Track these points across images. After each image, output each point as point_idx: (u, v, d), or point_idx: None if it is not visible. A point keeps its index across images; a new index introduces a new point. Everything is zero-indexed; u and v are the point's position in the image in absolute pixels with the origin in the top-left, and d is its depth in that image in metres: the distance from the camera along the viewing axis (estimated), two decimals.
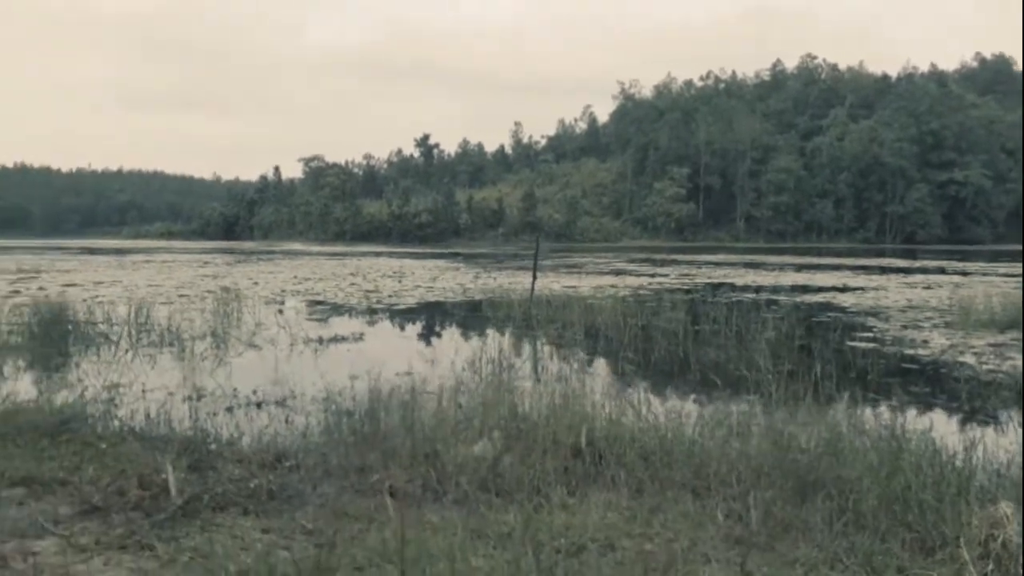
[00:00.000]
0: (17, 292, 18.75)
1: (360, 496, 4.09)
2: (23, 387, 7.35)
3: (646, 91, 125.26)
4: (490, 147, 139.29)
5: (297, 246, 78.79)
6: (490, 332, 12.51)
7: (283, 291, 20.80)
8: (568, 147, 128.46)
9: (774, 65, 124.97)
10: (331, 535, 3.13)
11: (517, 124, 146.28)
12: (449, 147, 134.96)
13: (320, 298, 18.95)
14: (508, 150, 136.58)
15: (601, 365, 9.88)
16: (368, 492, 4.19)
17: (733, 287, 22.87)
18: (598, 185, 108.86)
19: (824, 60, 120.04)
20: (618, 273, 29.30)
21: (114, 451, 4.28)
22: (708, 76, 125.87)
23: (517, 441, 5.07)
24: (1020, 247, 63.61)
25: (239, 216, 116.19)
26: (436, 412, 5.88)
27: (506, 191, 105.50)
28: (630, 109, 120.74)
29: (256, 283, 23.61)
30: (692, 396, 7.68)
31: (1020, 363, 8.90)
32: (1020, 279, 22.11)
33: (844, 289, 22.14)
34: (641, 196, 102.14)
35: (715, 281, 25.61)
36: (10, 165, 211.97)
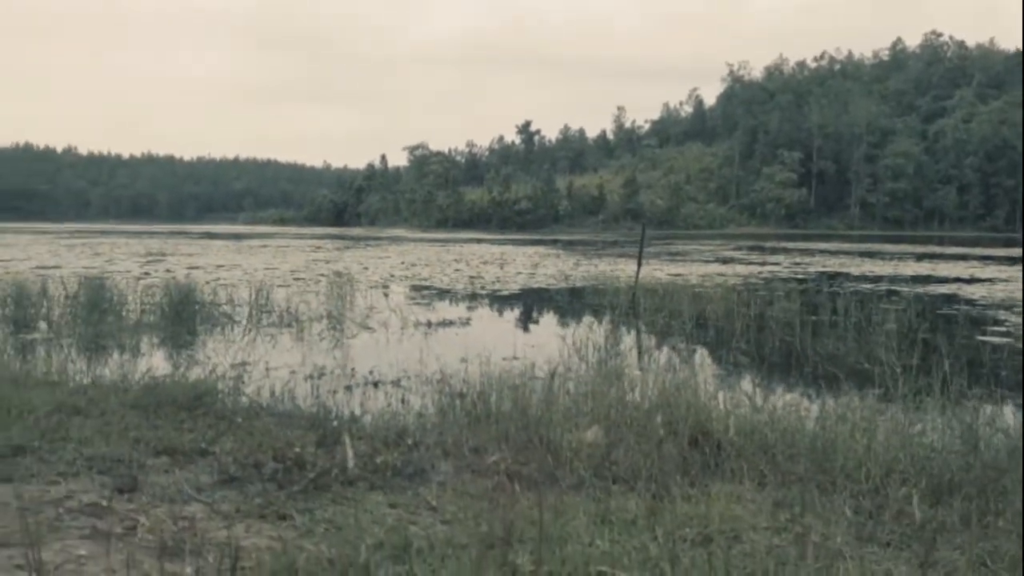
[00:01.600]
0: (147, 274, 20.03)
1: (478, 476, 4.16)
2: (159, 363, 7.87)
3: (756, 73, 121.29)
4: (591, 133, 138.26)
5: (401, 232, 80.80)
6: (594, 319, 12.46)
7: (391, 276, 21.37)
8: (672, 131, 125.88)
9: (894, 44, 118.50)
10: (455, 512, 3.20)
11: (620, 109, 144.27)
12: (550, 133, 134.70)
13: (427, 283, 19.37)
14: (610, 135, 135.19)
15: (712, 355, 9.67)
16: (485, 472, 4.26)
17: (849, 277, 21.90)
18: (703, 170, 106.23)
19: (950, 37, 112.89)
20: (725, 261, 28.57)
21: (248, 425, 4.51)
22: (823, 57, 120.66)
23: (630, 429, 5.04)
24: None
25: (347, 203, 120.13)
26: (546, 397, 5.92)
27: (607, 177, 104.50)
28: (738, 92, 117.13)
29: (366, 268, 24.35)
30: (810, 389, 7.41)
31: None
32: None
33: (971, 280, 20.82)
34: (749, 181, 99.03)
35: (829, 270, 24.60)
36: (138, 155, 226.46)
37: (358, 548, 2.36)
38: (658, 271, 21.34)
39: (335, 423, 5.13)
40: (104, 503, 3.19)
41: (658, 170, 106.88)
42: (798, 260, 30.16)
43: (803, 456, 4.42)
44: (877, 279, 21.09)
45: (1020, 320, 12.39)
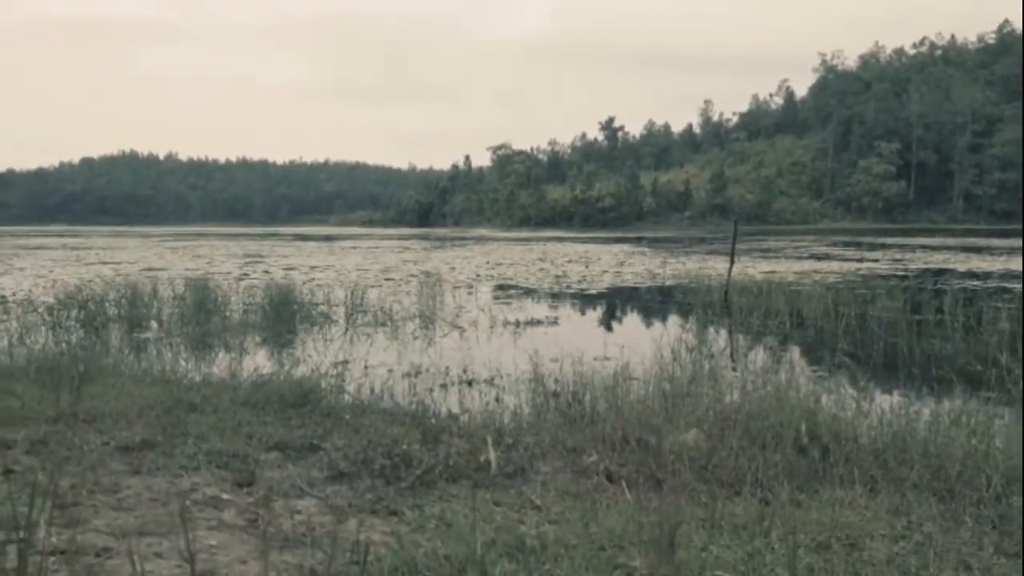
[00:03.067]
0: (246, 275, 20.87)
1: (578, 476, 4.16)
2: (264, 361, 8.20)
3: (850, 62, 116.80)
4: (677, 127, 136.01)
5: (484, 232, 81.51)
6: (686, 319, 12.26)
7: (478, 275, 21.59)
8: (762, 124, 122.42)
9: (1001, 27, 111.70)
10: (560, 512, 3.22)
11: (707, 102, 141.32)
12: (634, 129, 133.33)
13: (513, 282, 19.48)
14: (696, 129, 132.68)
15: (812, 356, 9.38)
16: (583, 473, 4.26)
17: (954, 273, 20.82)
18: (795, 163, 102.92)
19: None
20: (821, 258, 27.63)
21: (356, 422, 4.65)
22: (922, 43, 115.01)
23: (731, 432, 4.95)
24: None
25: (432, 203, 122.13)
26: (642, 398, 5.88)
27: (693, 172, 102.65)
28: (832, 82, 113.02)
29: (452, 268, 24.69)
30: (918, 391, 7.10)
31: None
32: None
33: None
34: (844, 174, 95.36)
35: (933, 266, 23.45)
36: (234, 160, 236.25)
37: (472, 545, 2.41)
38: (750, 268, 20.82)
39: (433, 420, 5.23)
40: (225, 496, 3.34)
41: (747, 164, 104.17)
42: (898, 256, 28.88)
43: (916, 462, 4.24)
44: (986, 276, 19.98)
45: None
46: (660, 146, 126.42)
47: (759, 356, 8.95)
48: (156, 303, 11.64)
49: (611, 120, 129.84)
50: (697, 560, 2.31)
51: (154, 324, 10.76)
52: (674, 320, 12.38)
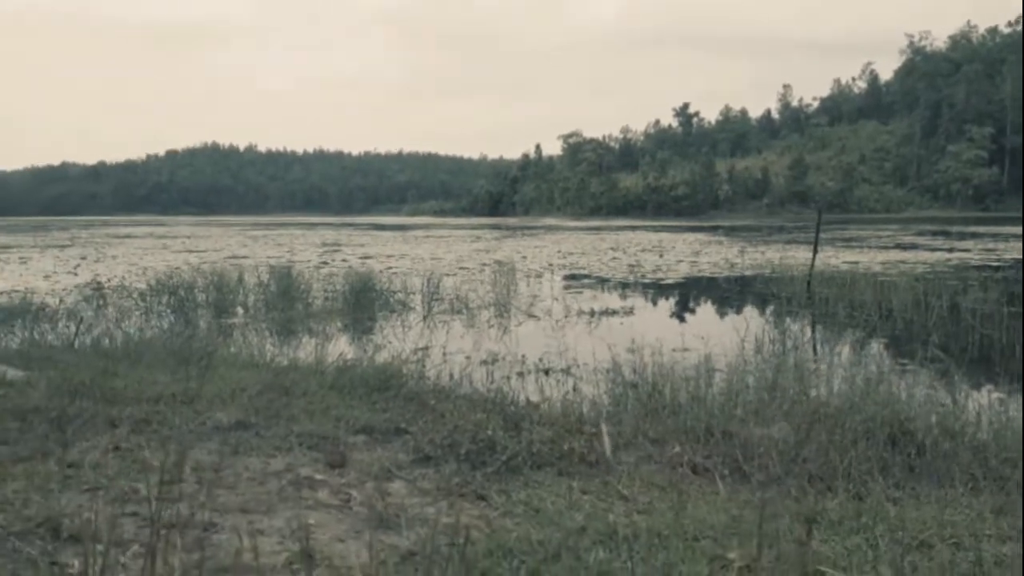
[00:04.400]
0: (325, 263, 21.39)
1: (662, 468, 4.12)
2: (347, 346, 8.40)
3: (939, 43, 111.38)
4: (754, 113, 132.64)
5: (554, 221, 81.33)
6: (767, 310, 11.99)
7: (550, 264, 21.58)
8: (844, 109, 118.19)
9: None
10: (648, 503, 3.19)
11: (786, 87, 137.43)
12: (709, 115, 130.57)
13: (585, 272, 19.40)
14: (775, 115, 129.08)
15: (901, 349, 9.04)
16: (668, 464, 4.22)
17: None
18: (879, 149, 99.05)
19: None
20: (906, 247, 26.56)
21: (440, 407, 4.71)
22: (1018, 21, 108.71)
23: (819, 426, 4.81)
24: None
25: (503, 193, 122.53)
26: (724, 390, 5.78)
27: (771, 159, 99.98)
28: (919, 64, 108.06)
29: (524, 257, 24.75)
30: (1017, 386, 6.76)
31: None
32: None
33: None
34: (931, 161, 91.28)
35: None
36: (311, 151, 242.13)
37: (565, 531, 2.41)
38: (832, 258, 20.19)
39: (513, 408, 5.26)
40: (318, 477, 3.44)
41: (828, 150, 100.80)
42: (991, 246, 27.51)
43: (1022, 460, 4.05)
44: None
45: None
46: (737, 132, 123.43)
47: (845, 348, 8.69)
48: (242, 290, 12.05)
49: (686, 106, 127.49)
50: (796, 554, 2.26)
51: (240, 310, 11.15)
52: (754, 311, 12.12)
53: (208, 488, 3.06)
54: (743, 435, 4.69)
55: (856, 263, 18.50)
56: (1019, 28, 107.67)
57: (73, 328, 8.00)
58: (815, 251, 14.70)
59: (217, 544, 2.46)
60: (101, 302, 11.53)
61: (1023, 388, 6.24)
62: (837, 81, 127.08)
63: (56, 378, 4.90)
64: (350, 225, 71.87)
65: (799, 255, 21.35)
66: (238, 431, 4.10)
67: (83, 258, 24.77)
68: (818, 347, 9.29)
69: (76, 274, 18.30)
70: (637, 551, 2.31)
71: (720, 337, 8.85)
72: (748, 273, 17.79)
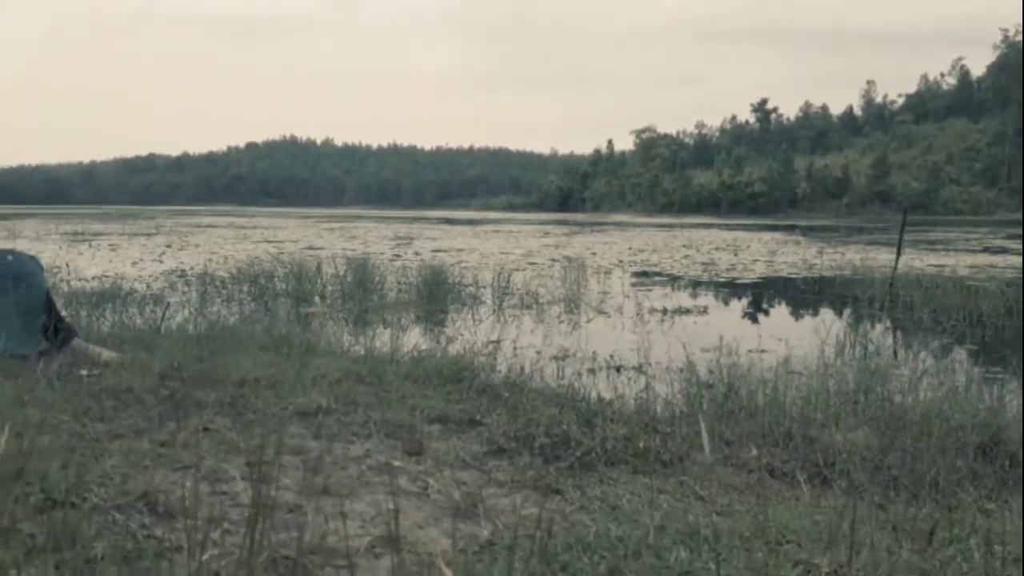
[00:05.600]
0: (398, 256, 21.73)
1: (738, 470, 4.05)
2: (420, 337, 8.52)
3: None
4: (835, 109, 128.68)
5: (625, 217, 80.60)
6: (847, 313, 11.63)
7: (620, 261, 21.41)
8: (932, 106, 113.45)
9: None
10: (727, 504, 3.14)
11: (869, 83, 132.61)
12: (788, 111, 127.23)
13: (657, 269, 19.18)
14: (857, 112, 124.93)
15: (991, 357, 8.65)
16: (744, 466, 4.14)
17: None
18: (969, 149, 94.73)
19: None
20: (996, 251, 25.36)
21: (513, 400, 4.74)
22: None
23: (904, 433, 4.65)
24: None
25: (573, 189, 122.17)
26: (803, 393, 5.63)
27: (853, 157, 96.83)
28: (1013, 59, 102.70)
29: (594, 253, 24.62)
30: None
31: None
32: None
33: None
34: None
35: None
36: (385, 145, 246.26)
37: (644, 529, 2.39)
38: (916, 261, 19.43)
39: (582, 405, 5.24)
40: (397, 463, 3.50)
41: (913, 149, 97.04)
42: None
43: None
44: None
45: None
46: (817, 129, 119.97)
47: (930, 354, 8.36)
48: (320, 280, 12.35)
49: (764, 101, 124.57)
50: (885, 563, 2.19)
51: (318, 300, 11.44)
52: (834, 313, 11.77)
53: (291, 471, 3.15)
54: (823, 440, 4.57)
55: (942, 266, 17.75)
56: None
57: (159, 313, 8.33)
58: (899, 253, 14.16)
59: (302, 525, 2.53)
60: (185, 289, 12.00)
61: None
62: (924, 77, 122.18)
63: (146, 360, 5.12)
64: (421, 219, 72.85)
65: (880, 257, 20.61)
66: (318, 416, 4.20)
67: (168, 246, 25.81)
68: (901, 352, 8.96)
69: (161, 261, 19.09)
70: (719, 552, 2.27)
71: (798, 339, 8.63)
72: (827, 274, 17.28)
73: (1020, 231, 42.15)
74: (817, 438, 4.55)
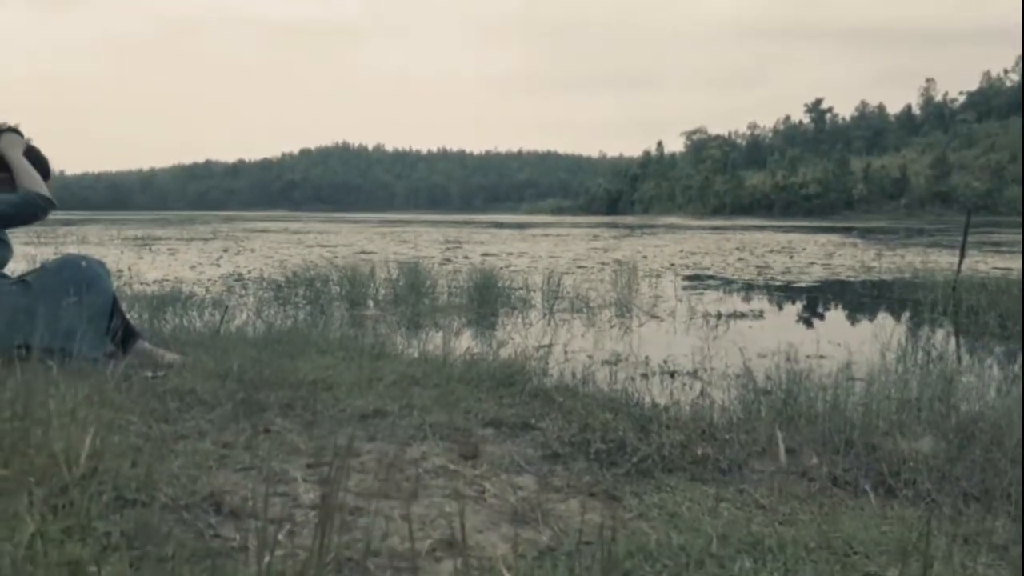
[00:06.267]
0: (448, 260, 21.87)
1: (799, 478, 3.95)
2: (472, 341, 8.56)
3: None
4: (893, 109, 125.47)
5: (675, 220, 79.72)
6: (907, 317, 11.30)
7: (671, 264, 21.19)
8: (994, 104, 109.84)
9: None
10: (789, 514, 3.07)
11: (928, 81, 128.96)
12: (844, 111, 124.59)
13: (709, 272, 18.92)
14: (916, 110, 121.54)
15: None
16: (805, 475, 4.04)
17: None
18: None
19: None
20: None
21: (568, 404, 4.72)
22: None
23: (973, 443, 4.49)
24: None
25: (622, 191, 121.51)
26: (864, 400, 5.49)
27: (911, 157, 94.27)
28: None
29: (645, 256, 24.41)
30: None
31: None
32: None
33: None
34: None
35: None
36: (435, 150, 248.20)
37: (708, 538, 2.35)
38: (980, 263, 18.81)
39: (634, 410, 5.19)
40: (452, 467, 3.51)
41: (975, 148, 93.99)
42: None
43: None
44: None
45: None
46: (873, 129, 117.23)
47: (996, 361, 8.07)
48: (373, 284, 12.51)
49: (818, 101, 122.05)
50: None
51: (371, 303, 11.58)
52: (894, 318, 11.45)
53: (350, 473, 3.18)
54: (887, 448, 4.44)
55: (1008, 269, 17.13)
56: None
57: (219, 316, 8.51)
58: (962, 255, 13.71)
59: (362, 527, 2.55)
60: (243, 292, 12.26)
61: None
62: (987, 74, 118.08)
63: (208, 362, 5.23)
64: (470, 223, 73.24)
65: (942, 259, 19.99)
66: (375, 419, 4.24)
67: (224, 250, 26.43)
68: (965, 358, 8.67)
69: (219, 265, 19.55)
70: (784, 562, 2.22)
71: (858, 344, 8.41)
72: (886, 278, 16.83)
73: None
74: (880, 446, 4.43)
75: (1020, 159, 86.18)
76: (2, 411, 2.64)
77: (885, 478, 3.93)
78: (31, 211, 4.63)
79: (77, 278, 4.60)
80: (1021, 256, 19.90)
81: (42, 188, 4.67)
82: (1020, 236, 37.32)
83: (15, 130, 4.83)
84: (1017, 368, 7.46)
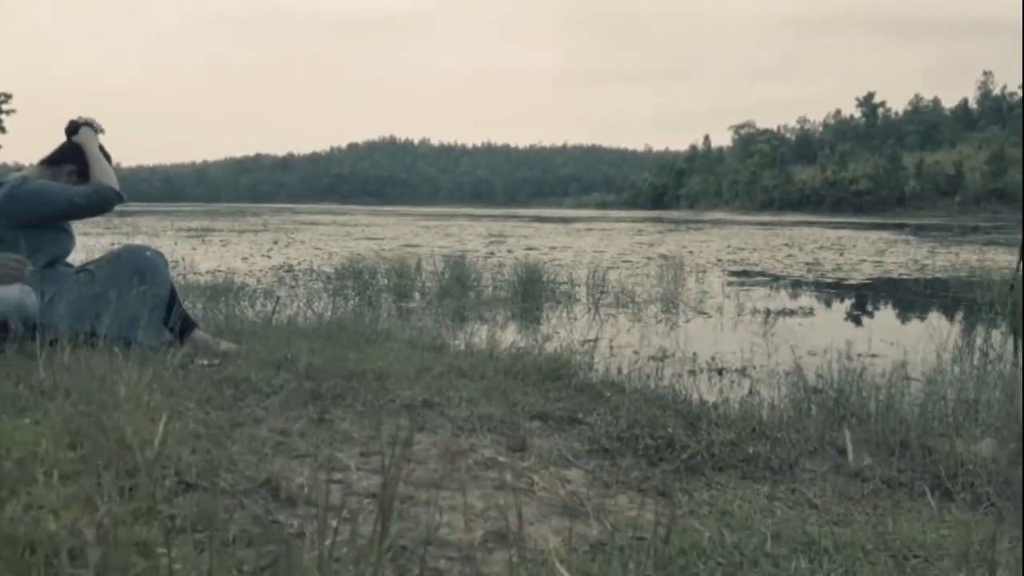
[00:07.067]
0: (492, 254, 21.93)
1: (851, 479, 3.89)
2: (516, 334, 8.58)
3: None
4: (948, 103, 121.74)
5: (722, 215, 78.68)
6: (963, 316, 10.99)
7: (718, 260, 20.94)
8: None
9: None
10: (843, 514, 3.03)
11: (986, 74, 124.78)
12: (897, 105, 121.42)
13: (758, 269, 18.65)
14: (972, 104, 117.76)
15: None
16: (857, 476, 3.97)
17: None
18: None
19: None
20: None
21: (615, 399, 4.71)
22: None
23: None
24: None
25: (667, 186, 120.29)
26: (919, 400, 5.37)
27: (967, 152, 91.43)
28: None
29: (691, 251, 24.16)
30: None
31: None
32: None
33: None
34: None
35: None
36: (480, 145, 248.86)
37: (760, 537, 2.33)
38: None
39: (685, 406, 5.15)
40: (501, 459, 3.53)
41: None
42: None
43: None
44: None
45: None
46: (927, 123, 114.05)
47: None
48: (419, 276, 12.62)
49: (870, 95, 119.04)
50: None
51: (417, 296, 11.69)
52: (949, 317, 11.15)
53: (401, 463, 3.22)
54: (943, 450, 4.33)
55: None
56: None
57: (270, 306, 8.67)
58: (1022, 253, 13.27)
59: (415, 516, 2.58)
60: (293, 283, 12.47)
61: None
62: None
63: (262, 351, 5.34)
64: (514, 217, 73.28)
65: (999, 258, 19.40)
66: (424, 409, 4.29)
67: (275, 242, 26.90)
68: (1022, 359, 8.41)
69: (269, 256, 19.91)
70: (841, 564, 2.19)
71: (911, 344, 8.21)
72: (940, 276, 16.39)
73: None
74: (936, 448, 4.32)
75: None
76: (72, 395, 2.74)
77: (942, 481, 3.84)
78: (101, 202, 4.78)
79: (141, 268, 4.74)
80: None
81: (113, 181, 4.82)
82: None
83: (91, 124, 5.00)
84: None
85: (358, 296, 11.30)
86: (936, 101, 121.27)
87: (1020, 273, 11.93)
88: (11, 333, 4.15)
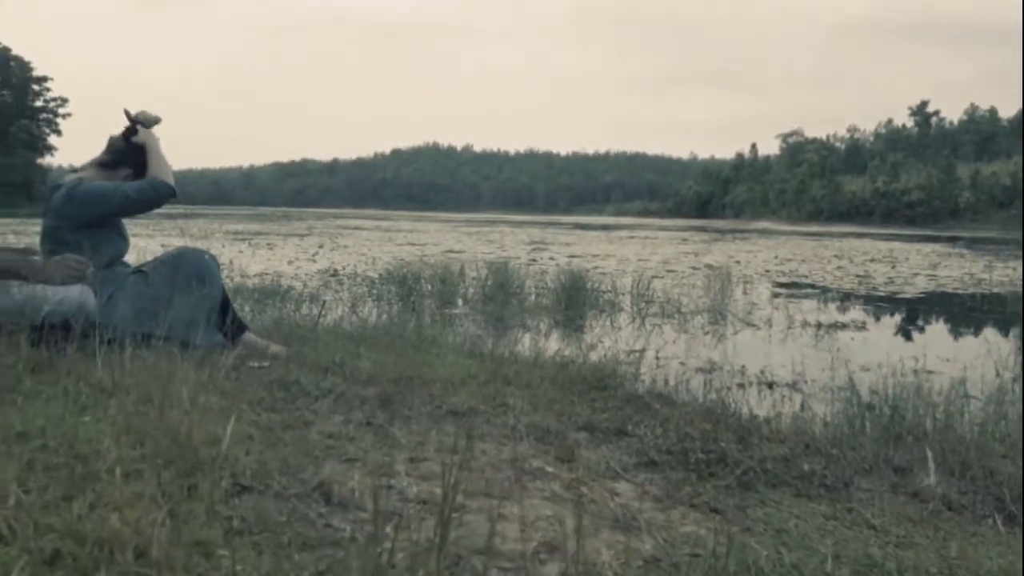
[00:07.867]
0: (534, 261, 21.91)
1: (909, 499, 3.77)
2: (561, 343, 8.54)
3: None
4: (1006, 112, 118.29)
5: (768, 225, 77.56)
6: (1020, 332, 10.64)
7: (766, 271, 20.62)
8: None
9: None
10: (904, 536, 2.94)
11: None
12: (951, 114, 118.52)
13: (807, 280, 18.31)
14: None
15: None
16: (916, 496, 3.85)
17: None
18: None
19: None
20: None
21: (664, 412, 4.64)
22: None
23: None
24: None
25: (712, 194, 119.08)
26: (981, 420, 5.20)
27: None
28: None
29: (737, 262, 23.84)
30: None
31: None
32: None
33: None
34: None
35: None
36: (522, 151, 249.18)
37: (819, 556, 2.27)
38: None
39: (736, 420, 5.06)
40: (549, 469, 3.50)
41: None
42: None
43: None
44: None
45: None
46: (983, 134, 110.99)
47: None
48: (462, 283, 12.66)
49: (924, 104, 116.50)
50: None
51: (460, 302, 11.72)
52: (1007, 334, 10.80)
53: (451, 470, 3.21)
54: (1007, 472, 4.18)
55: None
56: None
57: (315, 310, 8.77)
58: None
59: (466, 523, 2.57)
60: (338, 288, 12.61)
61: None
62: None
63: (309, 354, 5.39)
64: (555, 224, 73.22)
65: None
66: (470, 416, 4.28)
67: (320, 246, 27.26)
68: None
69: (315, 261, 20.18)
70: None
71: (969, 360, 7.95)
72: (998, 291, 15.90)
73: None
74: (998, 470, 4.18)
75: None
76: (132, 395, 2.79)
77: (1006, 504, 3.71)
78: (155, 196, 4.88)
79: (200, 271, 4.83)
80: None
81: (170, 177, 4.93)
82: None
83: (144, 121, 5.12)
84: None
85: (401, 301, 11.37)
86: (993, 111, 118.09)
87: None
88: (72, 332, 4.26)
